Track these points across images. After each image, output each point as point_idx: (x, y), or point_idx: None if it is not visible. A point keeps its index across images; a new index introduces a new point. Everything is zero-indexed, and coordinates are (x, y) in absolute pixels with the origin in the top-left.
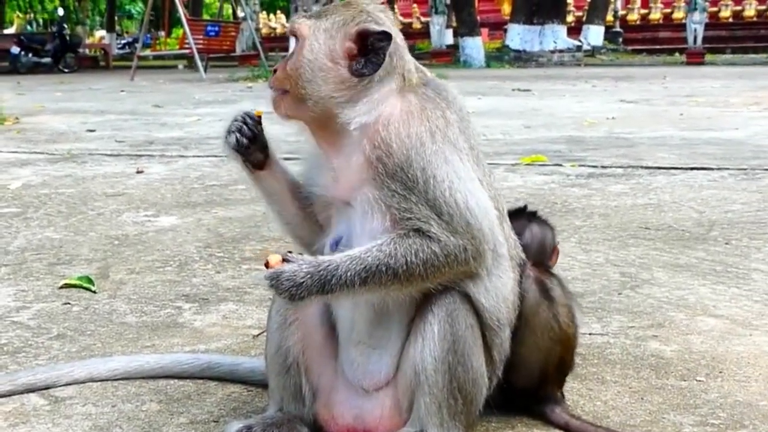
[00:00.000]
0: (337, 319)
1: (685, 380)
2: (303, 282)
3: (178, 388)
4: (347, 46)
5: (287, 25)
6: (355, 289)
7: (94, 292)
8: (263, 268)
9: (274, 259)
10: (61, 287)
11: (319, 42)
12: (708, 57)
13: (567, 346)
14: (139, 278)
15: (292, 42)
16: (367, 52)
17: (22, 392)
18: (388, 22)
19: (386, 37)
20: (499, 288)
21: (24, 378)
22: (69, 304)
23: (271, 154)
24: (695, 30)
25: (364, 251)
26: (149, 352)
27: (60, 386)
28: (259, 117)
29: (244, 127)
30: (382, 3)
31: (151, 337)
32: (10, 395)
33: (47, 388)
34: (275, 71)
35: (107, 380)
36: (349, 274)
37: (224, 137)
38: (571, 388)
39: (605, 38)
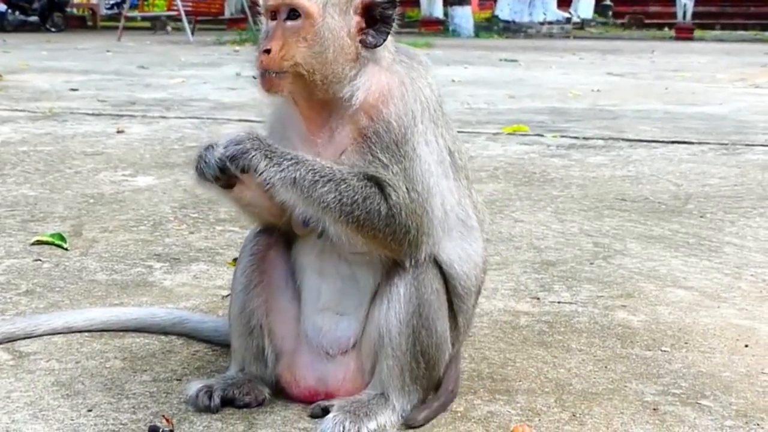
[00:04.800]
0: (302, 286)
1: (650, 350)
2: (252, 153)
3: (143, 346)
4: (356, 20)
5: None
6: (296, 189)
7: (66, 249)
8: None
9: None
10: (33, 244)
11: (335, 19)
12: (697, 33)
13: None
14: (112, 237)
15: (274, 17)
16: (373, 22)
17: (1, 341)
18: None
19: (392, 4)
20: (471, 255)
21: (4, 327)
22: (40, 260)
23: None
24: (685, 5)
25: (329, 164)
26: None
27: (36, 336)
28: None
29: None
30: None
31: (120, 295)
32: None
33: (26, 337)
34: (267, 51)
35: (83, 331)
36: (300, 170)
37: (195, 169)
38: (536, 355)
39: (595, 11)
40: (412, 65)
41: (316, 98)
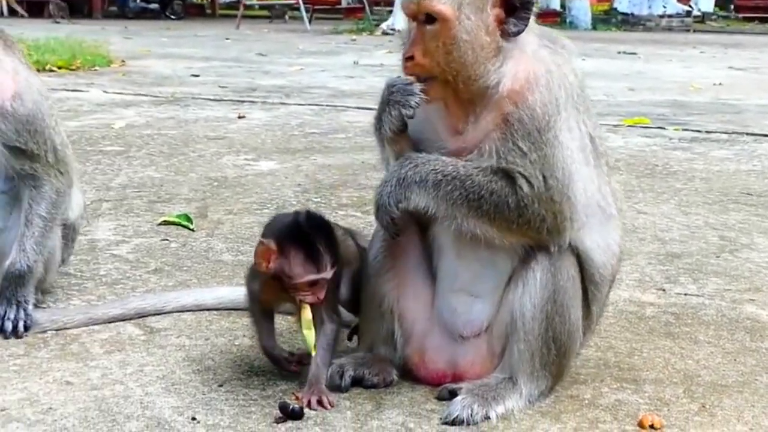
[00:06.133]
0: (438, 267)
1: None
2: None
3: None
4: (496, 13)
5: (411, 4)
6: (432, 193)
7: (192, 230)
8: None
9: None
10: (160, 224)
11: (471, 19)
12: None
13: None
14: (237, 219)
15: (415, 24)
16: (513, 10)
17: (132, 317)
18: None
19: None
20: (610, 244)
21: (135, 302)
22: (167, 240)
23: None
24: None
25: (452, 162)
26: None
27: (166, 313)
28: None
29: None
30: None
31: None
32: (121, 320)
33: (157, 313)
34: (410, 58)
35: (212, 309)
36: (420, 172)
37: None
38: (663, 346)
39: (716, 5)
40: (556, 50)
41: (463, 97)
